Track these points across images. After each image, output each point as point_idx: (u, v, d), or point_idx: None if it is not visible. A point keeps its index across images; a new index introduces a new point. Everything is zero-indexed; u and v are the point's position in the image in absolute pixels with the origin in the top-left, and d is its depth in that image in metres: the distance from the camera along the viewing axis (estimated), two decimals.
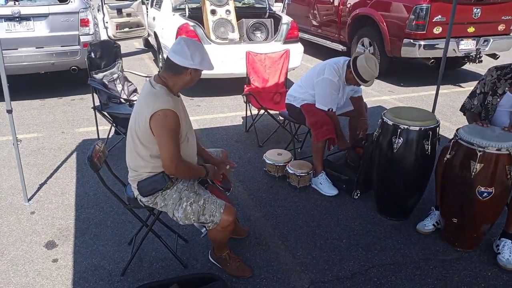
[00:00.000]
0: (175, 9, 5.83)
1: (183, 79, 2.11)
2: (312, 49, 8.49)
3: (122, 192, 2.46)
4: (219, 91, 5.87)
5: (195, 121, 4.86)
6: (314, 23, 8.20)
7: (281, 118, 4.21)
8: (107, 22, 7.21)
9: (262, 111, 4.28)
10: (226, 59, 5.29)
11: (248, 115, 4.44)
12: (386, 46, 6.26)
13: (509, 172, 2.40)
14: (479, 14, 5.92)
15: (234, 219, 2.19)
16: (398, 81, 6.63)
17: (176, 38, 5.00)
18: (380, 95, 5.97)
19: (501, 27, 6.17)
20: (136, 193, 2.22)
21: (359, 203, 3.22)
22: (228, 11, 5.71)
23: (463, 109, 2.94)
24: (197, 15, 5.68)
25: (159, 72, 2.18)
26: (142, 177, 2.16)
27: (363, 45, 6.84)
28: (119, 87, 4.08)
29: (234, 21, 5.72)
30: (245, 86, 4.43)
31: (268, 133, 4.38)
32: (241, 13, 6.04)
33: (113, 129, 3.96)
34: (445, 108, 5.27)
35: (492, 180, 2.41)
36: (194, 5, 5.98)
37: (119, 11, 7.50)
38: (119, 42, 5.92)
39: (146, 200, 2.21)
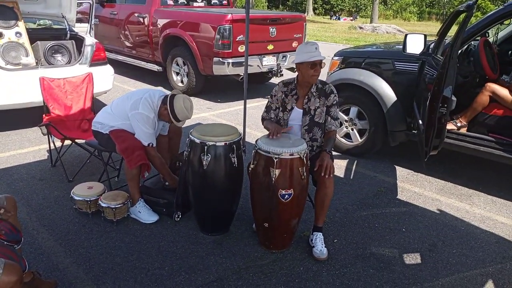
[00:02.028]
0: None
1: None
2: (127, 70, 8.22)
3: None
4: (17, 123, 5.11)
5: None
6: (127, 44, 7.94)
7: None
8: None
9: (68, 142, 3.85)
10: (20, 87, 4.64)
11: (52, 148, 3.94)
12: (199, 65, 6.46)
13: (303, 173, 2.66)
14: (275, 33, 6.63)
15: (20, 278, 1.83)
16: (215, 98, 6.93)
17: None
18: (199, 112, 6.11)
19: (294, 44, 7.03)
20: None
21: (180, 225, 3.16)
22: (18, 33, 5.04)
23: (262, 121, 3.16)
24: None
25: None
26: None
27: (177, 64, 6.92)
28: None
29: (27, 44, 5.07)
30: (44, 115, 3.93)
31: (79, 165, 3.95)
32: (36, 35, 5.42)
33: None
34: (257, 119, 5.65)
35: (290, 182, 2.63)
36: None
37: None
38: None
39: None
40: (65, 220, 3.16)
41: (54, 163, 4.03)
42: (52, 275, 2.55)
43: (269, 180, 2.63)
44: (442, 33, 4.03)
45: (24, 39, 5.11)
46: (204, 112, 6.14)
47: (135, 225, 3.14)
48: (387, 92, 4.22)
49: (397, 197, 3.75)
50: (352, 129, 4.56)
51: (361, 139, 4.51)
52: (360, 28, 22.51)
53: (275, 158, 2.58)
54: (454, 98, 3.33)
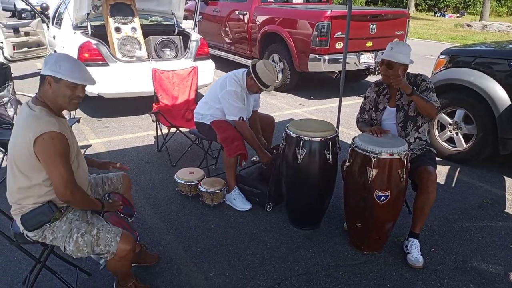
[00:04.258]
0: (76, 27, 5.51)
1: (47, 92, 1.94)
2: (226, 65, 8.57)
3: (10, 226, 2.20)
4: (129, 110, 5.65)
5: (102, 144, 4.60)
6: (227, 40, 8.30)
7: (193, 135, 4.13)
8: (2, 42, 6.63)
9: (174, 129, 4.18)
10: (134, 77, 5.12)
11: (159, 134, 4.30)
12: (294, 61, 6.52)
13: (402, 175, 2.56)
14: (375, 29, 6.42)
15: (133, 247, 2.05)
16: (308, 94, 6.93)
17: (78, 57, 4.74)
18: (292, 108, 6.18)
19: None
20: (22, 228, 2.00)
21: (272, 216, 3.24)
22: (133, 28, 5.55)
23: (357, 122, 3.12)
24: (100, 33, 5.43)
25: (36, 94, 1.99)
26: (25, 209, 1.95)
27: (273, 60, 7.05)
28: (10, 112, 3.71)
29: (140, 39, 5.57)
30: (154, 104, 4.30)
31: (182, 151, 4.27)
32: (148, 30, 5.91)
33: (5, 158, 3.58)
34: (351, 118, 5.59)
35: (387, 184, 2.56)
36: (97, 23, 5.73)
37: (16, 30, 6.95)
38: (16, 63, 5.48)
39: (33, 234, 2.00)
40: (168, 201, 3.43)
41: (160, 148, 4.40)
42: (156, 249, 2.80)
43: (365, 179, 2.58)
44: None
45: (139, 34, 5.61)
46: (297, 108, 6.19)
47: (229, 211, 3.31)
48: (501, 95, 3.86)
49: (505, 210, 3.43)
50: (457, 134, 4.25)
51: (466, 144, 4.19)
52: (468, 25, 20.70)
53: (373, 157, 2.52)
54: None
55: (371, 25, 6.37)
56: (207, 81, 5.70)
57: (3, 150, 3.49)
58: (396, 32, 6.74)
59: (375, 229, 2.72)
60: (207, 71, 5.68)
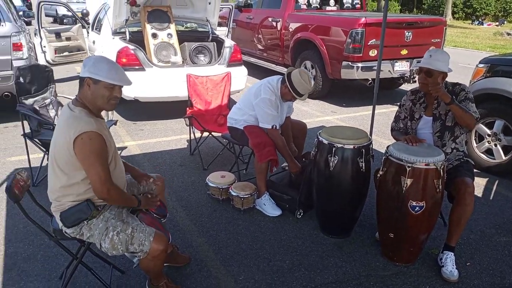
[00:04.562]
0: (115, 33, 5.71)
1: (86, 93, 2.01)
2: (258, 72, 8.63)
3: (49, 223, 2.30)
4: (163, 114, 5.78)
5: (137, 146, 4.72)
6: (259, 47, 8.37)
7: (225, 140, 4.18)
8: (44, 47, 6.94)
9: (206, 134, 4.25)
10: (169, 82, 5.24)
11: (192, 138, 4.38)
12: (327, 68, 6.49)
13: (438, 186, 2.50)
14: (411, 37, 6.31)
15: (166, 248, 2.10)
16: (340, 102, 6.87)
17: (116, 61, 4.90)
18: (323, 115, 6.14)
19: None
20: (60, 224, 2.08)
21: (302, 223, 3.23)
22: (169, 34, 5.69)
23: (391, 131, 3.07)
24: (138, 39, 5.60)
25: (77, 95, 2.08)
26: (64, 207, 2.03)
27: (305, 67, 7.04)
28: (52, 113, 3.88)
29: (176, 45, 5.70)
30: (188, 108, 4.38)
31: (213, 155, 4.33)
32: (183, 36, 6.04)
33: (46, 157, 3.74)
34: (384, 126, 5.50)
35: (422, 194, 2.50)
36: (135, 29, 5.90)
37: (58, 35, 7.26)
38: (57, 67, 5.72)
39: (71, 231, 2.08)
40: (199, 204, 3.48)
41: (192, 152, 4.47)
42: (187, 250, 2.84)
43: (399, 189, 2.54)
44: None
45: (174, 40, 5.74)
46: (328, 116, 6.15)
47: (259, 216, 3.32)
48: None
49: None
50: (496, 145, 4.11)
51: (505, 156, 4.03)
52: (508, 34, 19.95)
53: (408, 166, 2.47)
54: None
55: (407, 33, 6.27)
56: (239, 87, 5.76)
57: (44, 150, 3.64)
58: (432, 40, 6.61)
59: (408, 240, 2.66)
60: (240, 77, 5.74)
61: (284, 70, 7.59)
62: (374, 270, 2.70)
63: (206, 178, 3.59)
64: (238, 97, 6.48)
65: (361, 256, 2.85)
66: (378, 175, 2.68)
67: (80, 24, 7.59)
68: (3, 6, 5.14)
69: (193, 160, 4.35)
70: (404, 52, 6.38)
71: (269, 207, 3.34)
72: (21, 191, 2.07)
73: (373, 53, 6.04)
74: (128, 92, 5.15)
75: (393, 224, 2.66)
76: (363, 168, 2.79)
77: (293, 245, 2.95)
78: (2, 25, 4.94)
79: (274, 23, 7.70)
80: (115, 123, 4.14)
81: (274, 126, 3.34)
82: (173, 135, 5.10)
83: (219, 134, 4.14)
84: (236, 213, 3.34)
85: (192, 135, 4.34)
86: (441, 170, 2.49)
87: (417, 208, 2.51)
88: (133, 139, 4.95)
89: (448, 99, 2.62)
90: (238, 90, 5.81)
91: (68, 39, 7.44)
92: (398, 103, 3.09)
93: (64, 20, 7.85)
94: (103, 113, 2.17)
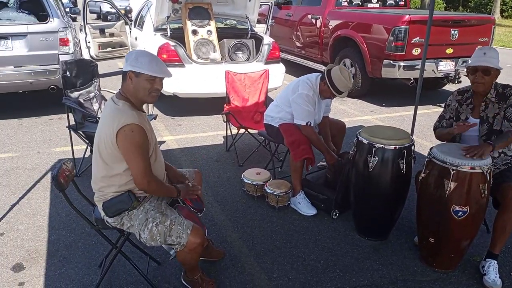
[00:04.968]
0: (157, 29, 5.83)
1: (128, 87, 2.05)
2: (295, 69, 8.57)
3: (91, 212, 2.38)
4: (201, 110, 5.85)
5: (175, 141, 4.81)
6: (297, 44, 8.30)
7: (261, 137, 4.18)
8: (89, 42, 7.19)
9: (242, 130, 4.27)
10: (207, 78, 5.30)
11: (228, 134, 4.41)
12: (367, 67, 6.35)
13: (483, 191, 2.39)
14: (457, 35, 6.06)
15: (202, 241, 2.12)
16: (380, 101, 6.71)
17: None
18: (362, 115, 6.02)
19: None
20: (102, 214, 2.15)
21: (337, 223, 3.18)
22: (209, 31, 5.75)
23: (434, 131, 2.96)
24: (178, 35, 5.70)
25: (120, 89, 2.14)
26: (107, 197, 2.09)
27: (344, 65, 6.92)
28: (95, 106, 4.02)
29: (215, 42, 5.75)
30: (225, 105, 4.41)
31: (249, 152, 4.34)
32: (222, 33, 6.08)
33: (89, 148, 3.88)
34: (426, 127, 5.32)
35: (466, 199, 2.39)
36: (176, 26, 6.01)
37: (102, 31, 7.50)
38: (100, 62, 5.92)
39: (112, 221, 2.14)
40: (234, 199, 3.50)
41: (228, 148, 4.51)
42: (221, 245, 2.86)
43: (441, 192, 2.44)
44: None
45: (214, 37, 5.80)
46: (367, 115, 6.01)
47: (294, 215, 3.29)
48: None
49: None
50: None
51: None
52: None
53: (452, 169, 2.37)
54: None
55: (453, 31, 6.03)
56: (276, 85, 5.74)
57: (87, 142, 3.78)
58: (479, 39, 6.32)
59: (449, 246, 2.55)
60: (277, 74, 5.72)
61: (322, 68, 7.51)
62: (412, 275, 2.62)
63: (241, 174, 3.60)
64: (275, 95, 6.50)
65: (399, 260, 2.77)
66: (420, 177, 2.59)
67: (123, 21, 7.80)
68: (52, 3, 5.37)
69: (229, 156, 4.38)
70: (449, 51, 6.14)
71: (304, 206, 3.31)
72: (66, 181, 2.15)
73: (416, 51, 5.85)
74: (167, 88, 5.25)
75: (434, 229, 2.56)
76: (404, 170, 2.70)
77: (328, 245, 2.91)
78: (51, 21, 5.16)
79: (313, 20, 7.61)
80: (155, 118, 4.24)
81: (309, 123, 3.30)
82: (209, 131, 5.16)
83: (255, 131, 4.14)
84: (271, 210, 3.33)
85: (228, 132, 4.37)
86: (487, 175, 2.38)
87: (460, 213, 2.41)
88: (171, 134, 5.05)
89: (491, 148, 2.46)
90: (275, 88, 5.80)
91: (111, 35, 7.67)
92: (441, 104, 2.97)
93: (108, 17, 8.10)
94: (144, 107, 2.21)
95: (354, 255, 2.81)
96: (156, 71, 2.03)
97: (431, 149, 2.58)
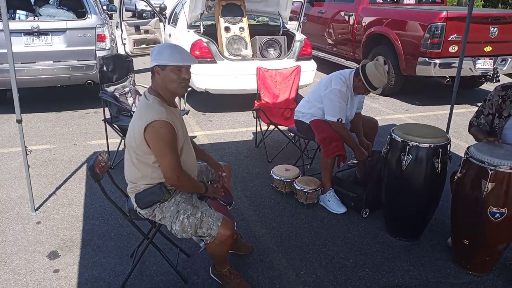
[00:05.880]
0: (190, 26, 5.91)
1: (157, 81, 2.07)
2: (326, 67, 8.48)
3: (124, 204, 2.45)
4: (232, 106, 5.89)
5: (205, 136, 4.87)
6: (329, 41, 8.21)
7: (291, 134, 4.17)
8: (125, 39, 7.38)
9: (272, 127, 4.26)
10: (239, 75, 5.32)
11: (258, 130, 4.42)
12: (401, 64, 6.20)
13: None
14: (496, 33, 5.83)
15: (232, 234, 2.13)
16: (413, 99, 6.54)
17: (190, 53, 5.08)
18: (394, 113, 5.89)
19: None
20: (135, 205, 2.20)
21: (367, 222, 3.13)
22: (241, 28, 5.77)
23: (470, 127, 2.86)
24: (211, 32, 5.75)
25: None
26: (139, 189, 2.14)
27: None
28: (130, 101, 4.12)
29: (247, 38, 5.77)
30: (256, 101, 4.42)
31: (278, 149, 4.34)
32: (254, 30, 6.09)
33: (123, 141, 3.98)
34: (461, 127, 5.15)
35: (504, 200, 2.30)
36: (208, 22, 6.06)
37: (137, 28, 7.67)
38: (135, 58, 6.05)
39: (144, 212, 2.19)
40: (263, 195, 3.51)
41: (258, 144, 4.52)
42: (250, 240, 2.88)
43: (478, 193, 2.36)
44: None
45: (246, 34, 5.81)
46: (400, 114, 5.88)
47: (323, 212, 3.27)
48: None
49: None
50: None
51: None
52: None
53: (491, 169, 2.28)
54: None
55: (492, 28, 5.80)
56: (307, 82, 5.70)
57: (122, 135, 3.88)
58: None
59: (485, 249, 2.47)
60: (308, 71, 5.68)
61: (354, 65, 7.40)
62: (445, 277, 2.55)
63: (270, 170, 3.60)
64: (305, 92, 6.46)
65: (431, 261, 2.70)
66: (456, 177, 2.51)
67: (157, 18, 7.95)
68: (91, 0, 5.54)
69: (258, 152, 4.39)
70: (487, 49, 5.91)
71: (333, 203, 3.28)
72: (102, 172, 2.21)
73: (453, 49, 5.66)
74: (199, 84, 5.31)
75: (469, 230, 2.49)
76: (439, 169, 2.63)
77: (358, 244, 2.87)
78: (89, 18, 5.32)
79: (346, 17, 7.51)
80: (187, 113, 4.30)
81: (340, 120, 3.26)
82: (239, 127, 5.19)
83: (285, 128, 4.13)
84: (299, 207, 3.32)
85: (258, 128, 4.38)
86: None
87: (498, 214, 2.32)
88: (202, 129, 5.11)
89: None
90: (306, 85, 5.76)
91: (146, 32, 7.84)
92: (478, 104, 2.86)
93: (143, 14, 8.27)
94: (177, 101, 2.24)
95: (385, 254, 2.76)
96: (180, 60, 2.02)
97: (468, 148, 2.50)
